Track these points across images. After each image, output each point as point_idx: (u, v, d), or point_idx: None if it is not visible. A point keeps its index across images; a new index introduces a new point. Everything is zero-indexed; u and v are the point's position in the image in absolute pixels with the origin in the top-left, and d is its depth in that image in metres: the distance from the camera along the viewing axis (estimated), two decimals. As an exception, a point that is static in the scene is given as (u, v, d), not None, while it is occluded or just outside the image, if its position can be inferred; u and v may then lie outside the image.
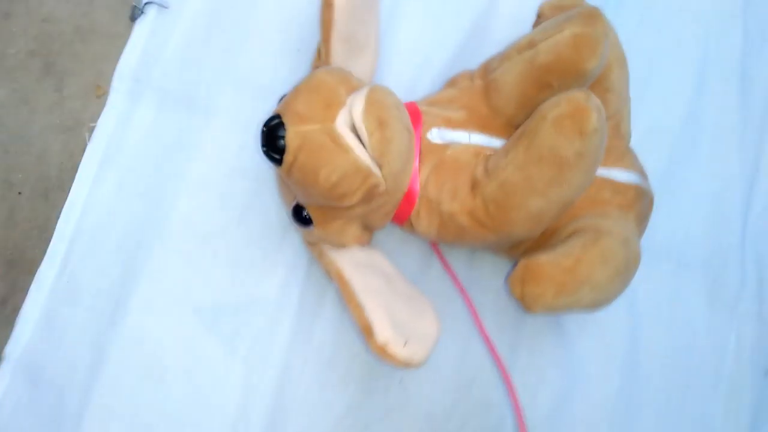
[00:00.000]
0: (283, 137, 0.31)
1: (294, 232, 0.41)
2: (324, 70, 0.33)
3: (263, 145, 0.32)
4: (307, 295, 0.41)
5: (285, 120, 0.31)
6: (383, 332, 0.33)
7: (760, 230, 0.47)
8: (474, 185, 0.34)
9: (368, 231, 0.38)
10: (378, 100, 0.32)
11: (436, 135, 0.35)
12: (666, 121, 0.47)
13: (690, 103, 0.48)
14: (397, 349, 0.33)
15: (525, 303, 0.33)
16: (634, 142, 0.41)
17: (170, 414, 0.40)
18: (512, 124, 0.35)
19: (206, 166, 0.41)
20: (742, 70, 0.49)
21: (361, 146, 0.31)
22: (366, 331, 0.34)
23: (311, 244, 0.38)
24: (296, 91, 0.32)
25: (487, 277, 0.43)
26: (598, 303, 0.34)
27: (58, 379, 0.39)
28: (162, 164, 0.41)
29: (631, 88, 0.41)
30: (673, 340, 0.45)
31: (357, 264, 0.37)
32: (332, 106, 0.31)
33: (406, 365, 0.33)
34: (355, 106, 0.31)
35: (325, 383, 0.41)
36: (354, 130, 0.32)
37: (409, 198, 0.35)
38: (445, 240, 0.37)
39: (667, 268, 0.45)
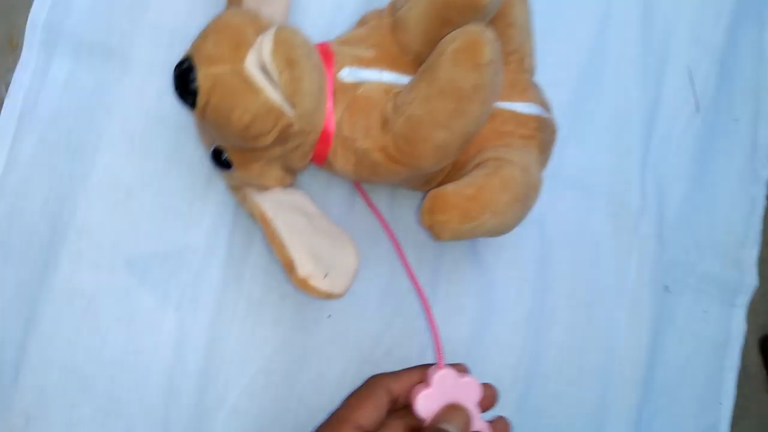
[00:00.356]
0: (194, 80, 0.32)
1: (219, 180, 0.42)
2: (231, 12, 0.34)
3: (176, 88, 0.33)
4: (235, 240, 0.42)
5: (195, 62, 0.32)
6: (304, 267, 0.35)
7: (660, 158, 0.51)
8: (384, 122, 0.35)
9: (290, 173, 0.39)
10: (286, 40, 0.33)
11: (347, 74, 0.36)
12: (572, 56, 0.50)
13: (595, 36, 0.50)
14: (318, 282, 0.35)
15: (434, 231, 0.35)
16: (542, 76, 0.43)
17: (108, 362, 0.41)
18: (419, 61, 0.37)
19: (126, 115, 0.41)
20: (644, 1, 0.52)
21: (271, 86, 0.33)
22: (288, 267, 0.35)
23: (235, 189, 0.40)
24: (204, 33, 0.33)
25: (408, 214, 0.45)
26: (500, 227, 0.36)
27: None
28: (82, 116, 0.41)
29: (538, 23, 0.43)
30: (580, 262, 0.48)
31: (279, 205, 0.38)
32: (241, 46, 0.32)
33: (327, 296, 0.36)
34: (264, 47, 0.32)
35: (257, 323, 0.43)
36: (264, 70, 0.33)
37: (325, 137, 0.36)
38: (362, 177, 0.38)
39: (573, 196, 0.48)
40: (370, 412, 0.36)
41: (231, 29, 0.32)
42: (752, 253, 0.52)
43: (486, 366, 0.42)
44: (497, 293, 0.46)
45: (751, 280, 0.52)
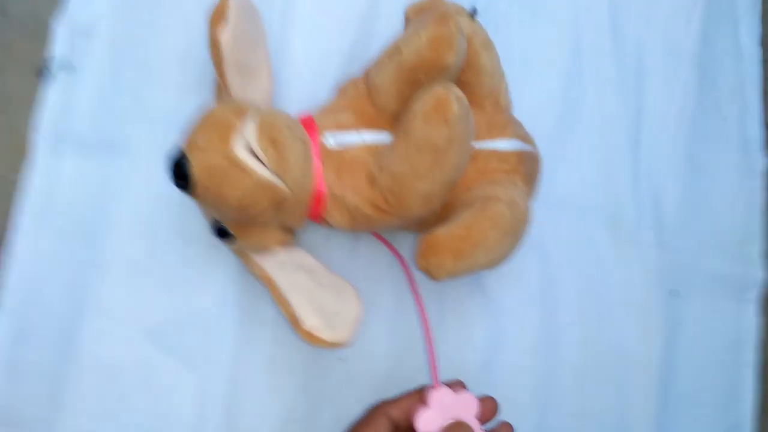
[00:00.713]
0: (187, 168, 0.35)
1: (222, 247, 0.44)
2: (216, 107, 0.37)
3: (171, 178, 0.36)
4: (244, 300, 0.45)
5: (187, 153, 0.35)
6: (308, 320, 0.38)
7: (650, 166, 0.52)
8: (371, 180, 0.38)
9: (289, 233, 0.42)
10: (268, 122, 0.36)
11: (330, 139, 0.39)
12: (549, 84, 0.51)
13: (569, 64, 0.52)
14: (323, 333, 0.38)
15: (430, 273, 0.37)
16: (524, 109, 0.45)
17: (134, 428, 0.44)
18: (396, 117, 0.40)
19: (135, 201, 0.45)
20: (612, 21, 0.53)
21: (260, 164, 0.35)
22: (293, 322, 0.39)
23: (239, 253, 0.43)
24: (194, 126, 0.36)
25: (407, 254, 0.47)
26: (493, 262, 0.38)
27: (23, 416, 0.43)
28: (92, 207, 0.45)
29: (513, 59, 0.45)
30: (584, 278, 0.49)
31: (281, 265, 0.41)
32: (228, 134, 0.35)
33: (333, 346, 0.39)
34: (249, 131, 0.35)
35: (272, 375, 0.45)
36: (252, 152, 0.36)
37: (318, 198, 0.39)
38: (359, 229, 0.41)
39: (569, 215, 0.50)
40: None
41: (218, 120, 0.36)
42: (756, 247, 0.53)
43: (502, 391, 0.44)
44: (505, 320, 0.48)
45: (758, 273, 0.52)
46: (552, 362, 0.48)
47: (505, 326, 0.48)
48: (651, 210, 0.51)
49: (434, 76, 0.37)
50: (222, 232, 0.39)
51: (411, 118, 0.35)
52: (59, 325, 0.44)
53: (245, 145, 0.35)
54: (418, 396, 0.40)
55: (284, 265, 0.41)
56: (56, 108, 0.45)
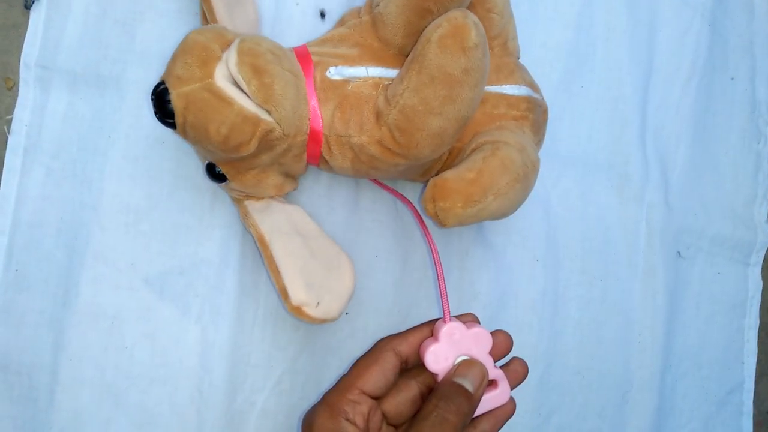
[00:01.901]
0: (170, 101, 0.31)
1: (223, 193, 0.41)
2: (195, 31, 0.32)
3: (155, 113, 0.32)
4: (247, 250, 0.41)
5: (168, 84, 0.31)
6: (297, 295, 0.35)
7: (658, 123, 0.49)
8: (378, 115, 0.34)
9: (290, 178, 0.38)
10: (249, 49, 0.31)
11: (335, 73, 0.35)
12: (559, 34, 0.47)
13: (580, 12, 0.48)
14: (311, 310, 0.35)
15: (438, 218, 0.33)
16: (531, 58, 0.41)
17: (137, 377, 0.40)
18: (404, 53, 0.35)
19: (127, 140, 0.40)
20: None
21: (244, 96, 0.31)
22: (282, 294, 0.35)
23: (237, 201, 0.38)
24: (174, 55, 0.32)
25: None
26: (504, 209, 0.35)
27: (25, 363, 0.39)
28: (84, 145, 0.40)
29: (521, 7, 0.42)
30: (589, 237, 0.46)
31: (276, 227, 0.37)
32: (208, 63, 0.31)
33: (321, 322, 0.35)
34: (230, 59, 0.31)
35: (277, 327, 0.41)
36: (235, 83, 0.31)
37: (314, 137, 0.34)
38: (361, 172, 0.37)
39: (575, 172, 0.46)
40: (376, 376, 0.35)
41: (197, 48, 0.31)
42: (762, 210, 0.50)
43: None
44: (510, 276, 0.45)
45: (763, 237, 0.50)
46: (556, 320, 0.45)
47: (509, 282, 0.45)
48: (657, 169, 0.48)
49: (446, 4, 0.32)
50: (214, 174, 0.35)
51: (424, 45, 0.31)
52: (57, 271, 0.39)
53: (227, 74, 0.31)
54: (428, 330, 0.37)
55: (280, 228, 0.36)
56: (42, 37, 0.40)
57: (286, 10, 0.42)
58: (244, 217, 0.38)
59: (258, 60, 0.31)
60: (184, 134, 0.32)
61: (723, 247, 0.49)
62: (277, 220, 0.37)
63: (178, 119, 0.31)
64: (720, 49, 0.50)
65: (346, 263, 0.37)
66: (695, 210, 0.49)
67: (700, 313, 0.48)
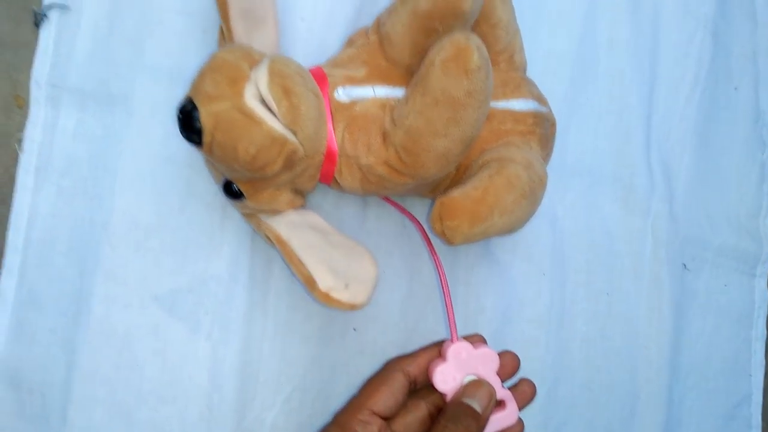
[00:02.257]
0: (198, 119, 0.33)
1: (232, 209, 0.42)
2: (224, 49, 0.34)
3: (181, 130, 0.33)
4: (256, 265, 0.43)
5: (196, 102, 0.33)
6: (324, 281, 0.36)
7: (663, 134, 0.51)
8: (384, 136, 0.36)
9: (300, 195, 0.40)
10: (280, 70, 0.33)
11: (341, 93, 0.37)
12: (562, 46, 0.49)
13: (583, 23, 0.50)
14: (340, 294, 0.36)
15: (446, 237, 0.35)
16: (535, 70, 0.43)
17: (147, 394, 0.42)
18: (410, 72, 0.38)
19: (137, 157, 0.42)
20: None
21: (272, 116, 0.33)
22: (309, 283, 0.36)
23: (249, 216, 0.40)
24: (202, 72, 0.34)
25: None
26: (510, 225, 0.37)
27: (37, 381, 0.40)
28: (95, 163, 0.42)
29: (525, 16, 0.42)
30: (594, 249, 0.48)
31: (293, 225, 0.39)
32: (238, 82, 0.33)
33: (351, 307, 0.36)
34: (260, 79, 0.33)
35: (286, 343, 0.43)
36: (263, 102, 0.33)
37: (330, 157, 0.37)
38: (370, 191, 0.39)
39: (580, 184, 0.48)
40: (386, 397, 0.37)
41: (227, 66, 0.33)
42: (767, 221, 0.51)
43: (513, 362, 0.42)
44: (516, 290, 0.46)
45: (768, 247, 0.51)
46: (563, 334, 0.47)
47: (515, 296, 0.46)
48: (662, 180, 0.50)
49: (450, 24, 0.35)
50: (232, 192, 0.37)
51: (428, 68, 0.33)
52: (69, 289, 0.41)
53: (256, 94, 0.33)
54: (436, 350, 0.38)
55: (295, 226, 0.38)
56: (52, 56, 0.41)
57: (291, 25, 0.42)
58: (258, 227, 0.40)
59: (288, 81, 0.33)
60: (210, 152, 0.34)
61: (728, 259, 0.50)
62: (292, 220, 0.39)
63: (206, 137, 0.33)
64: (723, 59, 0.52)
65: (365, 253, 0.39)
66: (700, 221, 0.50)
67: (706, 325, 0.49)
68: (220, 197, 0.42)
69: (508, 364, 0.38)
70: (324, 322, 0.44)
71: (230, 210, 0.43)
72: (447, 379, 0.36)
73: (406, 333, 0.45)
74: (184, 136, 0.33)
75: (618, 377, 0.47)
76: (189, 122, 0.33)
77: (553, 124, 0.42)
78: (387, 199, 0.44)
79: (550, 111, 0.42)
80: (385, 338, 0.44)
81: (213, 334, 0.42)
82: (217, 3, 0.36)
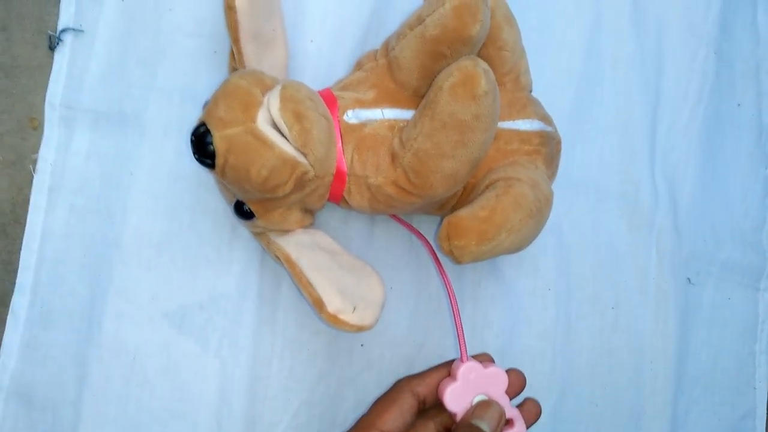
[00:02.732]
0: (211, 143, 0.34)
1: (242, 227, 0.43)
2: (238, 75, 0.35)
3: (194, 153, 0.34)
4: (264, 282, 0.44)
5: (210, 126, 0.34)
6: (332, 303, 0.37)
7: (667, 150, 0.52)
8: (393, 157, 0.37)
9: (309, 213, 0.41)
10: (291, 95, 0.34)
11: (351, 116, 0.37)
12: (567, 63, 0.50)
13: (588, 42, 0.51)
14: (348, 316, 0.36)
15: (454, 256, 0.36)
16: (541, 88, 0.44)
17: (158, 411, 0.42)
18: (418, 95, 0.38)
19: (149, 176, 0.43)
20: (633, 1, 0.52)
21: (283, 140, 0.34)
22: (317, 305, 0.37)
23: (258, 235, 0.41)
24: (215, 98, 0.35)
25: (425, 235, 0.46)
26: (518, 244, 0.37)
27: (49, 398, 0.41)
28: (107, 182, 0.43)
29: (531, 37, 0.43)
30: (600, 265, 0.49)
31: (302, 246, 0.39)
32: (251, 107, 0.34)
33: (358, 329, 0.37)
34: (272, 104, 0.34)
35: (294, 360, 0.44)
36: (275, 126, 0.34)
37: (339, 177, 0.38)
38: (378, 210, 0.39)
39: (586, 199, 0.49)
40: (395, 417, 0.37)
41: (240, 92, 0.34)
42: (771, 235, 0.52)
43: (519, 376, 0.43)
44: (522, 304, 0.47)
45: (772, 261, 0.52)
46: (569, 348, 0.47)
47: (522, 310, 0.47)
48: (667, 196, 0.51)
49: (458, 48, 0.36)
50: (243, 212, 0.38)
51: (436, 93, 0.34)
52: (80, 307, 0.42)
53: (268, 118, 0.34)
54: (445, 370, 0.38)
55: (304, 246, 0.39)
56: (66, 78, 0.42)
57: (300, 47, 0.43)
58: (267, 246, 0.40)
59: (299, 106, 0.34)
60: (222, 174, 0.35)
61: (733, 273, 0.51)
62: (301, 240, 0.40)
63: (219, 160, 0.34)
64: (726, 75, 0.52)
65: (373, 274, 0.40)
66: (705, 236, 0.50)
67: (711, 339, 0.49)
68: (230, 215, 0.43)
69: (515, 381, 0.39)
70: (331, 338, 0.44)
71: (240, 228, 0.44)
72: (457, 399, 0.37)
73: (414, 349, 0.45)
74: (197, 159, 0.34)
75: (623, 391, 0.48)
76: (202, 146, 0.34)
77: (558, 143, 0.42)
78: (395, 216, 0.44)
79: (556, 130, 0.42)
80: (392, 354, 0.45)
81: (222, 350, 0.43)
82: (228, 26, 0.37)
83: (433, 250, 0.43)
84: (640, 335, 0.48)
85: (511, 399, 0.38)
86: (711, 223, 0.51)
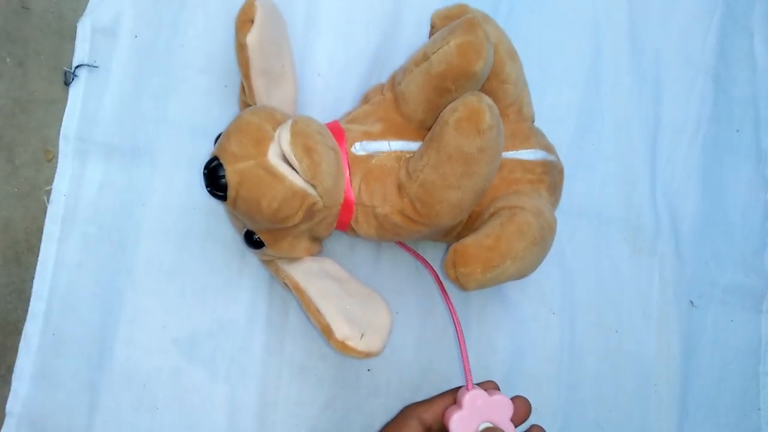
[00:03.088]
0: (223, 176, 0.35)
1: (251, 255, 0.44)
2: (249, 111, 0.36)
3: (207, 186, 0.35)
4: (273, 310, 0.45)
5: (222, 161, 0.35)
6: (341, 330, 0.37)
7: (668, 176, 0.53)
8: (400, 187, 0.38)
9: (317, 242, 0.42)
10: (301, 130, 0.36)
11: (359, 148, 0.39)
12: (568, 94, 0.52)
13: (588, 73, 0.53)
14: (355, 343, 0.37)
15: (460, 283, 0.37)
16: (543, 119, 0.45)
17: None
18: (424, 127, 0.40)
19: (160, 207, 0.44)
20: (631, 33, 0.54)
21: (293, 172, 0.35)
22: (326, 332, 0.38)
23: (267, 263, 0.42)
24: (227, 133, 0.36)
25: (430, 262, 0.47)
26: (522, 271, 0.38)
27: (60, 425, 0.42)
28: (119, 213, 0.44)
29: (532, 68, 0.45)
30: (603, 289, 0.50)
31: (310, 273, 0.41)
32: (262, 142, 0.35)
33: (366, 356, 0.38)
34: (283, 139, 0.35)
35: (302, 386, 0.45)
36: (285, 159, 0.35)
37: (346, 207, 0.39)
38: (385, 238, 0.40)
39: (588, 225, 0.50)
40: None
41: (252, 128, 0.35)
42: (771, 258, 0.53)
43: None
44: (527, 329, 0.48)
45: (773, 284, 0.52)
46: (573, 372, 0.48)
47: (526, 335, 0.48)
48: (668, 221, 0.52)
49: (462, 83, 0.37)
50: (253, 241, 0.39)
51: (442, 127, 0.35)
52: (92, 334, 0.43)
53: (279, 152, 0.35)
54: (451, 398, 0.39)
55: (312, 273, 0.40)
56: (81, 111, 0.44)
57: (308, 80, 0.44)
58: (276, 274, 0.42)
59: (309, 140, 0.35)
60: (234, 206, 0.36)
61: (735, 295, 0.51)
62: (309, 268, 0.41)
63: (231, 193, 0.35)
64: (724, 103, 0.54)
65: (380, 301, 0.41)
66: (706, 259, 0.51)
67: (714, 361, 0.50)
68: (239, 244, 0.44)
69: (520, 409, 0.39)
70: (338, 364, 0.45)
71: (248, 256, 0.45)
72: (462, 426, 0.37)
73: (420, 373, 0.46)
74: (209, 192, 0.35)
75: (629, 414, 0.48)
76: (215, 179, 0.35)
77: (561, 171, 0.44)
78: (400, 243, 0.45)
79: (558, 159, 0.44)
80: (399, 379, 0.46)
81: (231, 377, 0.44)
82: (240, 63, 0.38)
83: (439, 278, 0.44)
84: (644, 358, 0.49)
85: (516, 427, 0.39)
86: (712, 247, 0.52)
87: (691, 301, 0.51)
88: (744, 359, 0.51)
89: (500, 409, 0.38)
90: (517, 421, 0.39)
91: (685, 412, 0.49)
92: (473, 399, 0.38)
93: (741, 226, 0.53)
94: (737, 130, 0.55)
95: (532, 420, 0.40)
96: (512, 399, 0.39)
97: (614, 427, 0.48)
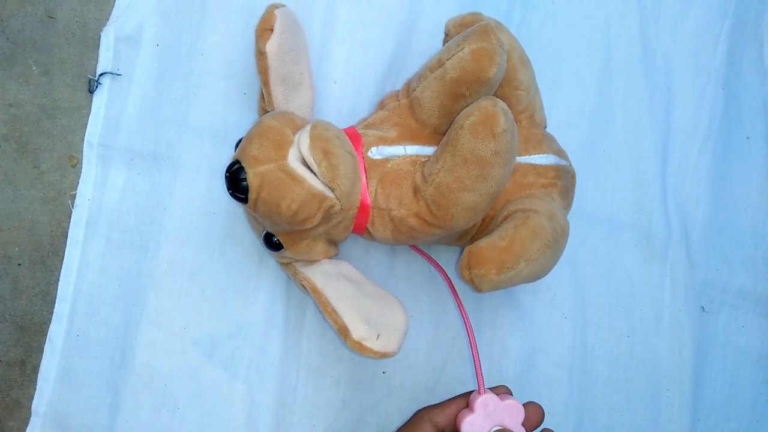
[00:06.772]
0: (244, 179, 0.36)
1: (269, 258, 0.45)
2: (270, 116, 0.38)
3: (228, 188, 0.37)
4: (290, 311, 0.46)
5: (244, 164, 0.36)
6: (357, 330, 0.38)
7: (679, 183, 0.53)
8: (415, 191, 0.39)
9: (334, 244, 0.43)
10: (320, 134, 0.37)
11: (375, 152, 0.40)
12: (580, 101, 0.53)
13: (599, 79, 0.53)
14: (372, 343, 0.38)
15: (474, 284, 0.38)
16: (555, 125, 0.46)
17: None
18: (439, 132, 0.41)
19: (181, 211, 0.46)
20: (642, 41, 0.55)
21: (312, 176, 0.36)
22: (342, 332, 0.39)
23: (285, 265, 0.43)
24: (249, 137, 0.37)
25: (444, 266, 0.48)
26: (536, 273, 0.39)
27: (83, 425, 0.43)
28: (141, 217, 0.45)
29: (544, 75, 0.46)
30: (615, 293, 0.51)
31: (327, 275, 0.41)
32: (282, 146, 0.36)
33: (382, 356, 0.39)
34: (302, 143, 0.36)
35: (318, 387, 0.46)
36: (304, 163, 0.36)
37: (363, 210, 0.40)
38: (401, 241, 0.41)
39: (600, 231, 0.51)
40: None
41: (273, 132, 0.37)
42: (782, 264, 0.54)
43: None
44: (539, 332, 0.48)
45: (785, 290, 0.53)
46: (585, 376, 0.48)
47: (539, 339, 0.48)
48: (679, 227, 0.52)
49: (477, 89, 0.38)
50: (272, 243, 0.40)
51: (458, 131, 0.36)
52: (114, 335, 0.44)
53: (298, 156, 0.36)
54: (463, 401, 0.40)
55: (329, 275, 0.41)
56: (104, 118, 0.45)
57: (325, 88, 0.46)
58: (294, 276, 0.43)
59: (327, 144, 0.36)
60: (254, 208, 0.37)
61: (746, 301, 0.52)
62: (326, 270, 0.42)
63: (252, 195, 0.36)
64: (735, 110, 0.54)
65: (396, 303, 0.41)
66: (717, 265, 0.52)
67: (726, 366, 0.51)
68: (258, 247, 0.45)
69: (533, 415, 0.40)
70: (354, 366, 0.46)
71: (267, 259, 0.46)
72: (474, 430, 0.38)
73: (434, 375, 0.47)
74: (231, 194, 0.37)
75: (640, 418, 0.49)
76: (236, 182, 0.36)
77: (573, 176, 0.44)
78: (414, 247, 0.46)
79: (570, 164, 0.44)
80: (413, 381, 0.47)
81: (250, 377, 0.45)
82: (259, 70, 0.40)
83: (451, 282, 0.45)
84: (655, 363, 0.50)
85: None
86: (723, 253, 0.53)
87: (702, 307, 0.51)
88: (755, 364, 0.52)
89: (512, 413, 0.39)
90: (529, 426, 0.40)
91: (697, 416, 0.49)
92: (485, 403, 0.39)
93: (751, 231, 0.54)
94: (747, 137, 0.55)
95: (543, 423, 0.41)
96: (525, 405, 0.40)
97: (625, 431, 0.48)
